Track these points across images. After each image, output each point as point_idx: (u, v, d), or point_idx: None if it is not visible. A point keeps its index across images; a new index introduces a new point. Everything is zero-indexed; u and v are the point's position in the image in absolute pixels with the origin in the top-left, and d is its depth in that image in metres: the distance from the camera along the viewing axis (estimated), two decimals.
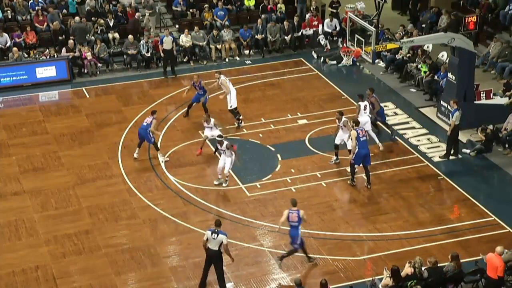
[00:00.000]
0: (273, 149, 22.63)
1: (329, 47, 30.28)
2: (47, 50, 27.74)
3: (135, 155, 22.07)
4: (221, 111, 24.22)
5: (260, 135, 23.43)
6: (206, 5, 30.60)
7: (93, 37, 28.68)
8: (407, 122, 24.32)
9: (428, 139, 23.28)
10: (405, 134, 23.56)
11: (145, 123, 21.74)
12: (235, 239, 18.48)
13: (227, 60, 29.34)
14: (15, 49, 27.27)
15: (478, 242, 18.26)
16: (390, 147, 22.80)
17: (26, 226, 19.06)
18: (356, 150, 20.17)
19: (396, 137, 22.98)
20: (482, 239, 18.43)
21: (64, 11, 29.85)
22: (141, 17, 29.89)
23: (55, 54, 27.71)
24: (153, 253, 18.03)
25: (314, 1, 31.11)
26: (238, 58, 29.52)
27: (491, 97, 23.89)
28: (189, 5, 30.83)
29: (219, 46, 29.23)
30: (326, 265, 17.56)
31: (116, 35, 29.34)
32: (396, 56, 28.00)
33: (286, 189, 20.60)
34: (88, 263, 17.66)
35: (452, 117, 21.59)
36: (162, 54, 27.74)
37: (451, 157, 22.01)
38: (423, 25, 30.28)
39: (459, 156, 22.14)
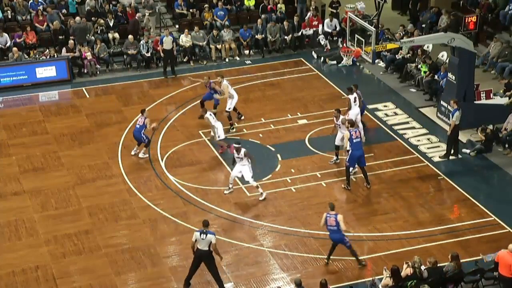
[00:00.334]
0: (273, 149, 22.63)
1: (329, 47, 30.28)
2: (47, 50, 27.74)
3: (133, 152, 22.12)
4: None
5: (260, 135, 23.43)
6: (206, 5, 30.61)
7: (93, 37, 28.69)
8: (407, 122, 24.32)
9: (428, 139, 23.28)
10: (405, 134, 23.56)
11: (138, 126, 21.80)
12: (235, 239, 18.50)
13: (227, 60, 29.34)
14: (15, 49, 27.28)
15: (478, 242, 18.26)
16: (390, 147, 22.81)
17: (26, 226, 19.06)
18: (350, 151, 20.17)
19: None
20: (482, 239, 18.44)
21: (64, 11, 29.83)
22: (141, 17, 29.87)
23: (55, 54, 27.72)
24: (153, 253, 18.03)
25: (314, 1, 31.11)
26: (238, 58, 29.53)
27: (491, 97, 23.89)
28: (189, 5, 30.83)
29: (219, 46, 29.23)
30: (326, 265, 17.56)
31: (116, 35, 29.35)
32: (396, 56, 28.00)
33: (286, 189, 20.60)
34: (88, 263, 17.66)
35: (452, 117, 21.59)
36: (162, 54, 27.74)
37: (451, 157, 22.01)
38: (423, 25, 30.28)
39: (459, 156, 22.14)
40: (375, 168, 21.58)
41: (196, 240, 16.13)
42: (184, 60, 29.02)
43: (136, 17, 29.66)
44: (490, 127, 22.65)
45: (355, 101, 22.34)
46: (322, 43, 30.32)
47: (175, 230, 18.81)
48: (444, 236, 18.58)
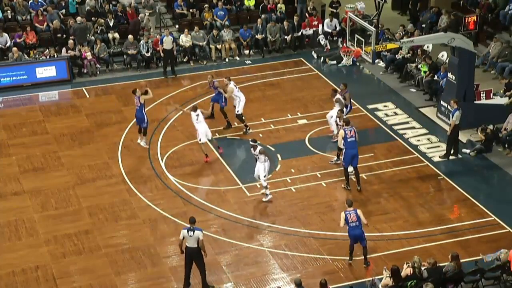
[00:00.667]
0: (273, 149, 22.62)
1: (329, 47, 30.28)
2: (47, 50, 27.74)
3: (143, 144, 22.20)
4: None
5: (260, 135, 23.42)
6: (206, 5, 30.60)
7: (93, 37, 28.69)
8: (407, 122, 24.32)
9: (428, 139, 23.28)
10: (405, 134, 23.56)
11: (137, 107, 21.92)
12: (235, 239, 18.50)
13: (227, 60, 29.34)
14: (15, 49, 27.28)
15: (478, 242, 18.26)
16: (390, 147, 22.81)
17: (26, 226, 19.07)
18: (344, 150, 20.17)
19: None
20: (482, 239, 18.44)
21: (63, 11, 29.80)
22: (143, 18, 29.82)
23: (55, 54, 27.72)
24: (153, 253, 18.04)
25: (312, 2, 31.11)
26: (238, 58, 29.52)
27: (491, 97, 23.89)
28: (189, 5, 30.83)
29: (219, 46, 29.23)
30: (326, 265, 17.57)
31: (116, 35, 29.34)
32: (396, 56, 28.00)
33: (286, 189, 20.60)
34: (88, 263, 17.67)
35: (452, 117, 21.59)
36: (162, 54, 27.73)
37: (451, 157, 22.01)
38: (423, 25, 30.27)
39: (459, 156, 22.14)
40: (375, 168, 21.58)
41: (184, 238, 16.22)
42: (184, 60, 29.02)
43: (139, 18, 29.60)
44: (490, 127, 22.63)
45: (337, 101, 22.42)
46: (322, 43, 30.32)
47: (175, 230, 18.79)
48: (444, 236, 18.58)
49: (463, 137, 22.64)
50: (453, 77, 23.33)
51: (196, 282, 16.76)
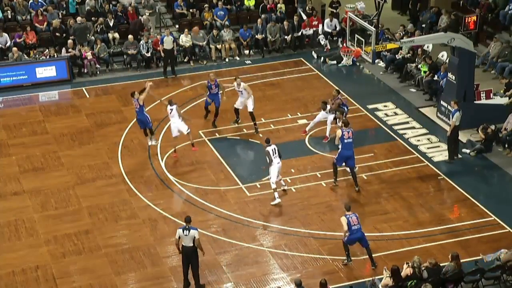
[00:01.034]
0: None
1: (329, 47, 30.27)
2: (47, 50, 27.74)
3: (154, 142, 22.19)
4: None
5: (260, 135, 23.41)
6: (206, 5, 30.60)
7: (93, 37, 28.68)
8: (407, 122, 24.32)
9: (428, 139, 23.28)
10: (405, 134, 23.56)
11: (137, 109, 21.84)
12: (235, 239, 18.50)
13: (227, 60, 29.33)
14: (15, 49, 27.27)
15: (478, 242, 18.27)
16: (390, 147, 22.81)
17: (26, 226, 19.06)
18: (339, 150, 20.20)
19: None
20: (482, 239, 18.44)
21: (64, 11, 29.80)
22: (146, 21, 29.76)
23: (55, 54, 27.72)
24: (153, 253, 18.04)
25: (311, 2, 31.10)
26: (238, 58, 29.52)
27: (491, 97, 23.90)
28: (189, 5, 30.82)
29: (219, 46, 29.22)
30: (326, 265, 17.56)
31: (116, 35, 29.34)
32: (396, 56, 27.99)
33: (286, 189, 20.58)
34: (88, 263, 17.67)
35: (452, 118, 21.57)
36: (162, 54, 27.72)
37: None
38: (423, 25, 30.27)
39: (459, 156, 22.13)
40: (375, 168, 21.58)
41: (179, 237, 16.24)
42: (185, 60, 29.01)
43: (142, 21, 29.50)
44: (492, 127, 22.54)
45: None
46: (322, 43, 30.32)
47: (175, 230, 18.67)
48: (444, 236, 18.58)
49: (463, 137, 22.64)
50: (453, 77, 23.33)
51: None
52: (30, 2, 29.64)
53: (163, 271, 17.43)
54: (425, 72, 26.31)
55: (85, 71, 27.94)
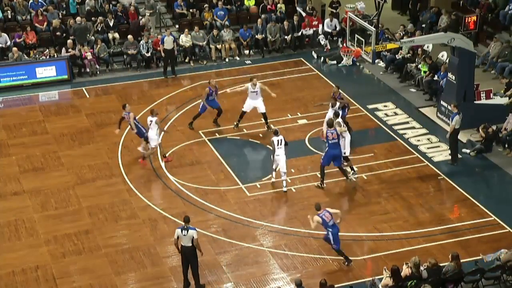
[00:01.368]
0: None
1: (329, 47, 30.28)
2: (47, 50, 27.74)
3: (141, 148, 22.06)
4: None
5: (260, 135, 23.43)
6: (206, 5, 30.60)
7: (93, 37, 28.68)
8: (407, 122, 24.32)
9: (428, 139, 23.28)
10: (405, 134, 23.56)
11: (129, 122, 21.64)
12: (235, 239, 18.50)
13: (227, 60, 29.33)
14: (15, 49, 27.27)
15: (478, 242, 18.27)
16: (390, 147, 22.81)
17: (26, 226, 19.06)
18: (326, 149, 20.30)
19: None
20: (482, 239, 18.44)
21: (63, 11, 29.79)
22: (148, 23, 29.75)
23: (55, 54, 27.72)
24: (153, 253, 18.04)
25: (311, 2, 31.09)
26: (238, 58, 29.52)
27: (491, 97, 23.90)
28: (189, 5, 30.82)
29: (219, 46, 29.22)
30: (326, 265, 17.57)
31: (116, 35, 29.35)
32: (396, 56, 28.00)
33: (286, 189, 20.57)
34: (88, 263, 17.67)
35: (452, 121, 21.53)
36: (162, 54, 27.72)
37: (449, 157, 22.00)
38: (423, 25, 30.27)
39: (459, 156, 22.13)
40: (375, 168, 21.59)
41: (178, 237, 16.24)
42: (186, 60, 28.99)
43: (140, 23, 29.45)
44: (494, 127, 22.52)
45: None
46: (322, 43, 30.32)
47: (175, 230, 18.78)
48: (444, 236, 18.59)
49: (463, 137, 22.63)
50: (453, 77, 23.33)
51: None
52: (30, 2, 29.64)
53: (163, 271, 17.43)
54: (425, 72, 26.32)
55: (87, 70, 27.90)
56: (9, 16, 29.27)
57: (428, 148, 22.75)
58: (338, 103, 22.45)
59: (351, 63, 28.80)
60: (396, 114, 24.91)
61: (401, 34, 28.30)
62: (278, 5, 31.04)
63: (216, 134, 23.47)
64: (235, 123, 23.69)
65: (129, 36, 28.37)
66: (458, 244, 18.21)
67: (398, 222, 19.18)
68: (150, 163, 21.96)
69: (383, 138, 23.31)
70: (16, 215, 19.51)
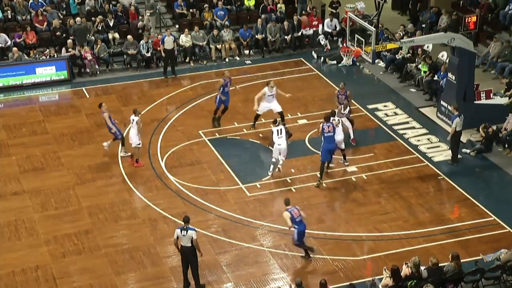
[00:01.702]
0: (272, 148, 22.58)
1: (329, 47, 30.28)
2: (47, 50, 27.74)
3: (106, 144, 22.14)
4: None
5: (260, 135, 23.43)
6: (206, 5, 30.60)
7: (93, 37, 28.68)
8: (407, 122, 24.32)
9: (428, 139, 23.28)
10: (405, 134, 23.56)
11: (108, 123, 21.81)
12: (235, 239, 18.50)
13: (227, 60, 29.33)
14: (15, 49, 27.27)
15: (478, 242, 18.27)
16: (390, 147, 22.81)
17: (26, 226, 19.06)
18: (322, 144, 20.35)
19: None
20: (482, 239, 18.44)
21: (64, 12, 29.79)
22: (148, 25, 29.72)
23: (55, 54, 27.72)
24: (153, 253, 18.04)
25: (311, 2, 31.07)
26: (238, 58, 29.52)
27: (491, 97, 23.90)
28: (189, 5, 30.82)
29: (219, 46, 29.22)
30: (326, 265, 17.57)
31: (116, 35, 29.35)
32: (396, 56, 28.00)
33: (286, 189, 20.59)
34: (88, 263, 17.67)
35: (452, 123, 21.51)
36: (163, 54, 27.71)
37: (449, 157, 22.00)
38: (423, 25, 30.28)
39: (459, 156, 22.12)
40: (375, 168, 21.59)
41: (177, 237, 16.24)
42: (186, 61, 28.99)
43: (138, 26, 29.42)
44: (494, 127, 22.51)
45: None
46: (322, 43, 30.32)
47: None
48: (444, 236, 18.59)
49: (463, 137, 22.58)
50: (453, 77, 23.33)
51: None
52: (30, 2, 29.64)
53: (163, 271, 17.43)
54: (425, 72, 26.32)
55: (87, 70, 27.90)
56: (9, 16, 29.27)
57: (428, 148, 22.75)
58: (348, 108, 22.44)
59: (351, 63, 28.79)
60: (396, 114, 24.91)
61: (401, 34, 28.30)
62: (278, 5, 31.03)
63: (216, 134, 23.48)
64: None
65: (129, 36, 28.37)
66: (458, 244, 18.21)
67: (398, 222, 19.18)
68: (150, 163, 21.96)
69: (383, 138, 23.31)
70: (16, 215, 19.51)
